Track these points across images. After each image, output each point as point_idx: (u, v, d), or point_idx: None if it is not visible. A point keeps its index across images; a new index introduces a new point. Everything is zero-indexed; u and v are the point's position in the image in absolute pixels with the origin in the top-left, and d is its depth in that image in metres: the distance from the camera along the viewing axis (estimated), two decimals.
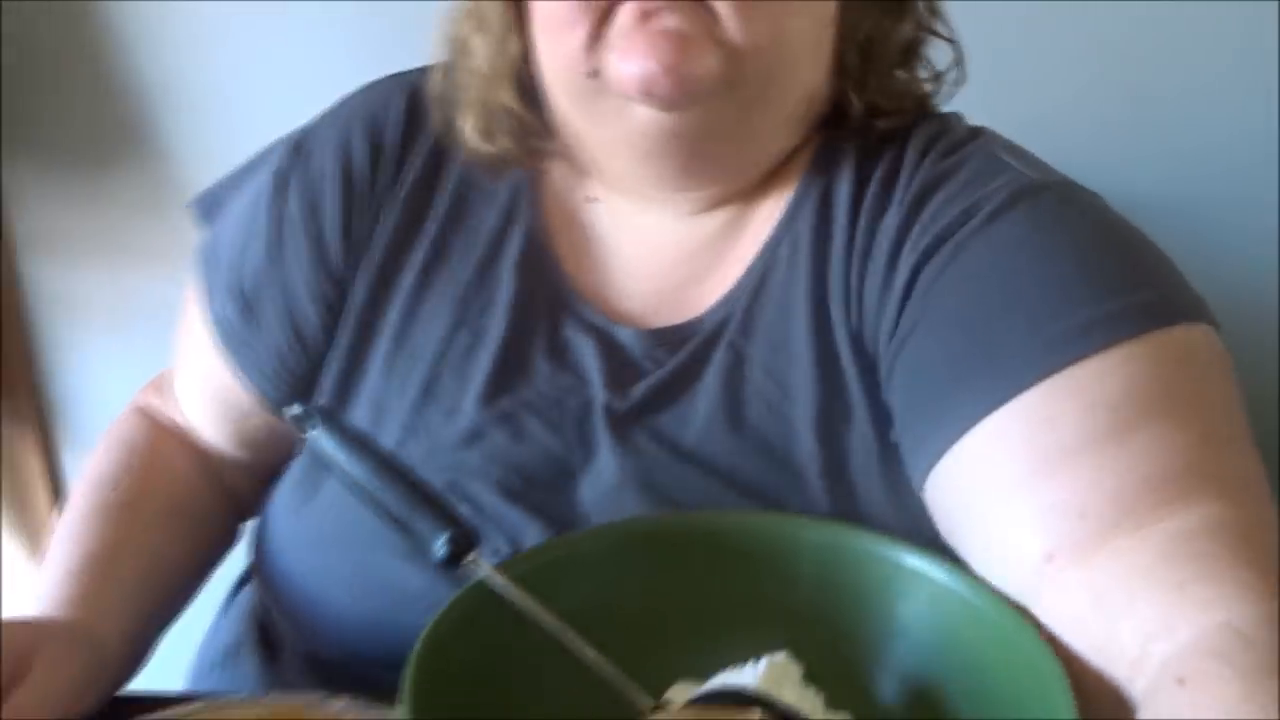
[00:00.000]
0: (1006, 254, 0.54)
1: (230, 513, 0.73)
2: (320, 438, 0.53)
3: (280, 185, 0.67)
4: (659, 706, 0.49)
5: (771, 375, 0.58)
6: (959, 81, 0.64)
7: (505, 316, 0.62)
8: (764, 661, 0.49)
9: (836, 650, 0.52)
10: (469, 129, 0.63)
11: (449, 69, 0.65)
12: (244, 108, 1.07)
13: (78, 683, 0.54)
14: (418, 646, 0.47)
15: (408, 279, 0.64)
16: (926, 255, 0.55)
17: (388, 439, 0.61)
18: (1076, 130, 0.99)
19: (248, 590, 0.74)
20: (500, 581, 0.50)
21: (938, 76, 0.64)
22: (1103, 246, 0.54)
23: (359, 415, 0.63)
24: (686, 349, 0.60)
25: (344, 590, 0.61)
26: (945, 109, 0.66)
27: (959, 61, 0.64)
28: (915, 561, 0.52)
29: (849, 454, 0.57)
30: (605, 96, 0.57)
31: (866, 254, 0.58)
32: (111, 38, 1.06)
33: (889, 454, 0.56)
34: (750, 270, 0.61)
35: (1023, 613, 0.49)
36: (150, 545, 0.66)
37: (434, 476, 0.57)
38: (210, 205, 0.72)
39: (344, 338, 0.64)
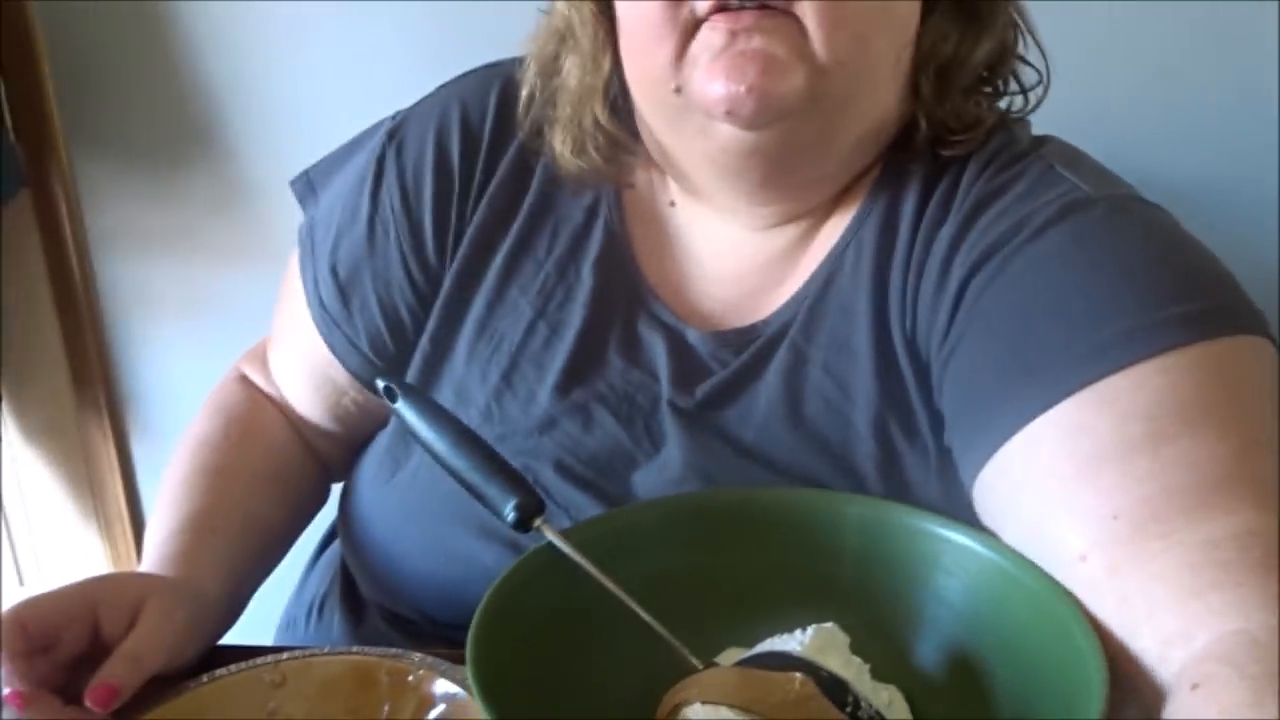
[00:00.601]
0: (1051, 266, 0.56)
1: (320, 478, 0.77)
2: (405, 409, 0.56)
3: (378, 173, 0.70)
4: (709, 667, 0.52)
5: (831, 375, 0.61)
6: (1039, 103, 0.64)
7: (583, 311, 0.65)
8: (811, 629, 0.52)
9: (880, 622, 0.55)
10: (560, 145, 0.65)
11: (537, 84, 0.67)
12: (311, 108, 1.11)
13: (182, 632, 0.58)
14: (482, 603, 0.50)
15: (493, 270, 0.67)
16: (976, 267, 0.57)
17: (467, 422, 0.62)
18: (1075, 128, 1.02)
19: (332, 549, 0.79)
20: (564, 544, 0.53)
21: (1021, 92, 0.64)
22: (1149, 258, 0.56)
23: (443, 399, 0.66)
24: (751, 350, 0.63)
25: (422, 559, 0.65)
26: None
27: (1042, 83, 0.64)
28: (956, 535, 0.54)
29: (904, 454, 0.59)
30: (689, 112, 0.59)
31: (922, 264, 0.60)
32: (182, 39, 1.10)
33: (943, 456, 0.58)
34: (815, 276, 0.63)
35: (1060, 586, 0.51)
36: (246, 507, 0.70)
37: (509, 459, 0.59)
38: (309, 186, 0.76)
39: (432, 324, 0.68)
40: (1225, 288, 0.56)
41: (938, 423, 0.59)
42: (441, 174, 0.68)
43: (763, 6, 0.54)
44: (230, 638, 0.65)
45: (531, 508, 0.54)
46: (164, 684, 0.56)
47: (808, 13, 0.55)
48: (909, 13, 0.60)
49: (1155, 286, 0.54)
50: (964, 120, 0.62)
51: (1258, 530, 0.48)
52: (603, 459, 0.62)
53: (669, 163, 0.66)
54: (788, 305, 0.64)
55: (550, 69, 0.66)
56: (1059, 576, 0.51)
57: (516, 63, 0.70)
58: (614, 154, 0.66)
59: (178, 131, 1.14)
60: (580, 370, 0.64)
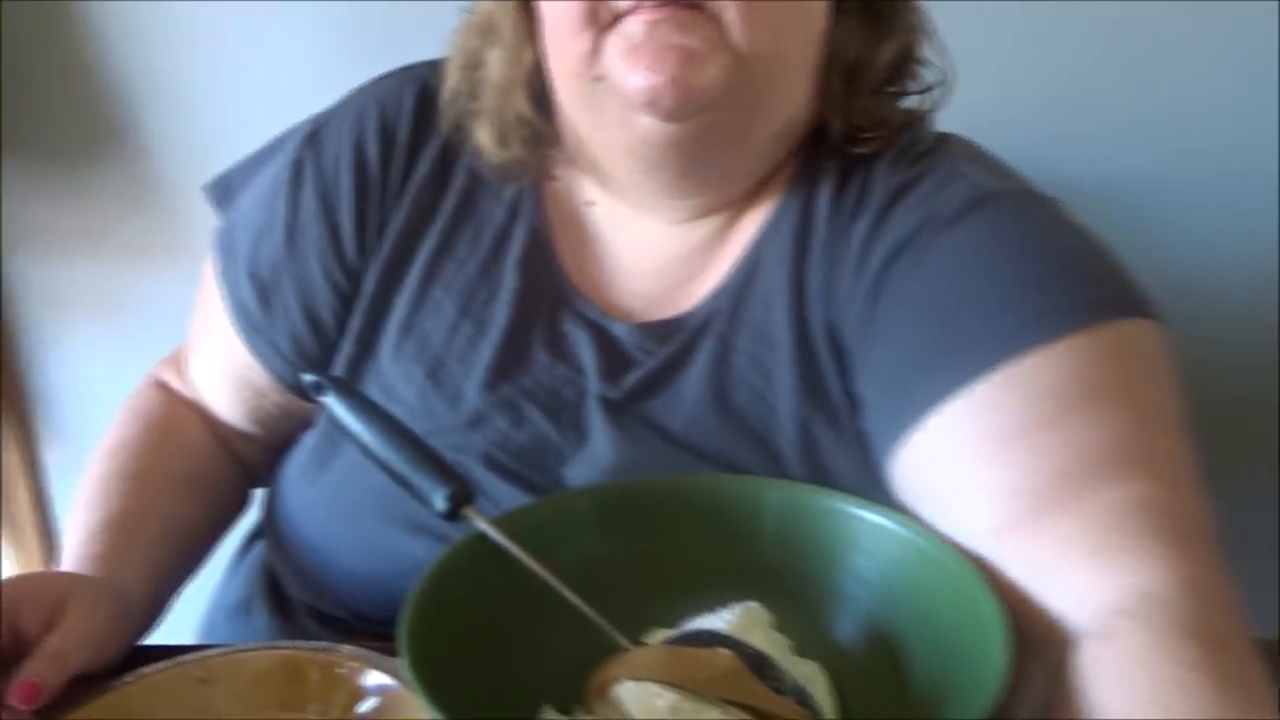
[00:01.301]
0: (962, 257, 0.58)
1: (242, 481, 0.77)
2: (333, 403, 0.57)
3: (296, 176, 0.70)
4: (638, 647, 0.53)
5: (755, 365, 0.63)
6: (942, 102, 0.67)
7: (507, 309, 0.66)
8: (736, 608, 0.54)
9: (801, 602, 0.57)
10: (484, 137, 0.67)
11: (461, 78, 0.68)
12: (226, 105, 1.10)
13: (104, 630, 0.58)
14: (414, 591, 0.51)
15: (416, 270, 0.68)
16: (892, 258, 0.60)
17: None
18: (1075, 129, 1.05)
19: (256, 548, 0.78)
20: (494, 532, 0.54)
21: (924, 91, 0.67)
22: (1050, 248, 0.59)
23: (373, 395, 0.66)
24: (675, 341, 0.65)
25: (351, 556, 0.65)
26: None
27: (944, 83, 0.67)
28: (870, 515, 0.57)
29: (824, 439, 0.62)
30: (609, 103, 0.60)
31: (839, 256, 0.62)
32: (94, 36, 1.08)
33: (860, 441, 0.61)
34: (737, 269, 0.65)
35: (967, 558, 0.53)
36: (165, 509, 0.69)
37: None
38: (224, 190, 0.76)
39: (355, 325, 0.68)
40: (1117, 274, 0.59)
41: (855, 408, 0.61)
42: (360, 175, 0.69)
43: (679, 2, 0.56)
44: (151, 639, 0.64)
45: (461, 497, 0.55)
46: (86, 684, 0.55)
47: (726, 8, 0.56)
48: (819, 13, 0.62)
49: (1057, 274, 0.58)
50: (873, 119, 0.64)
51: (1152, 498, 0.51)
52: (532, 453, 0.64)
53: (588, 157, 0.67)
54: (711, 298, 0.66)
55: (473, 63, 0.67)
56: (973, 547, 0.53)
57: (431, 65, 0.71)
58: (537, 146, 0.67)
59: (91, 129, 1.11)
60: (506, 367, 0.65)
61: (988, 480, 0.54)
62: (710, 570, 0.58)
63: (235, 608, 0.75)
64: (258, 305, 0.70)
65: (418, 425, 0.63)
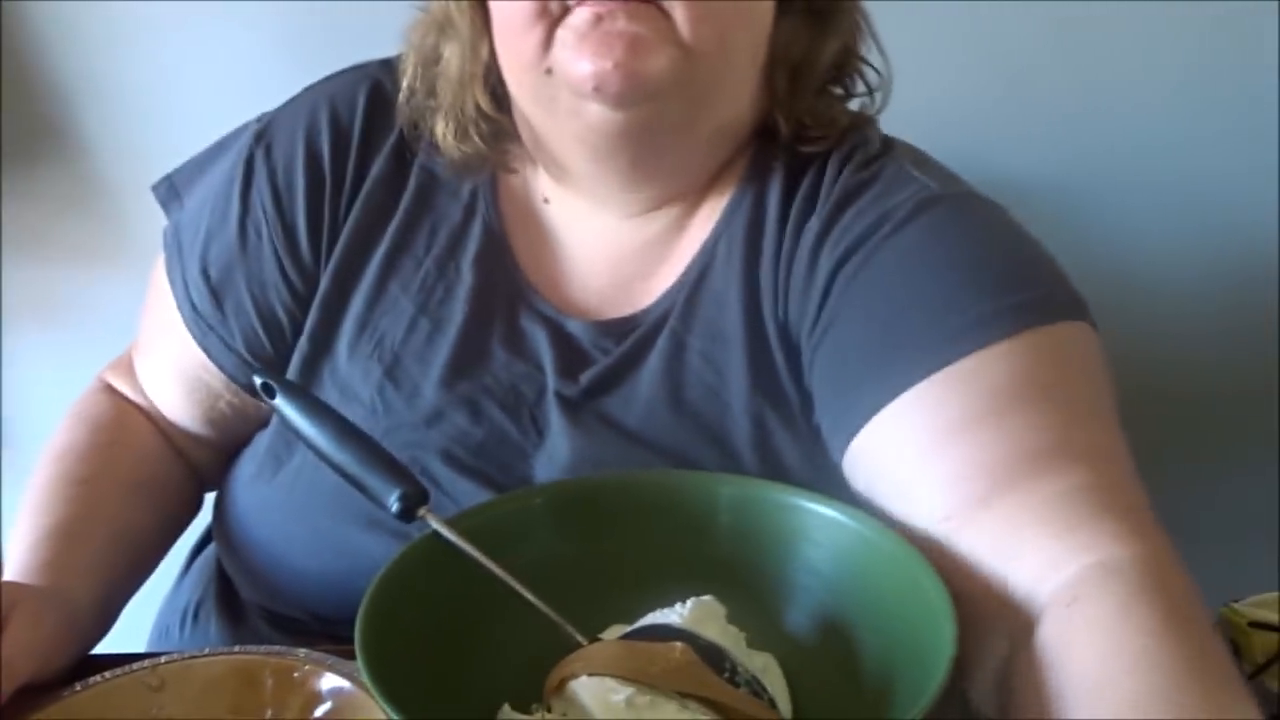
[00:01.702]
0: (909, 259, 0.60)
1: (193, 485, 0.76)
2: (284, 405, 0.57)
3: (247, 174, 0.70)
4: (594, 643, 0.54)
5: (709, 361, 0.64)
6: (883, 103, 0.69)
7: (464, 307, 0.67)
8: (690, 602, 0.54)
9: (754, 593, 0.58)
10: (443, 133, 0.67)
11: (417, 75, 0.68)
12: (167, 105, 1.09)
13: (51, 639, 0.57)
14: (369, 593, 0.51)
15: (371, 268, 0.68)
16: (843, 259, 0.62)
17: (352, 418, 0.63)
18: (1021, 128, 1.08)
19: (206, 553, 0.77)
20: (449, 532, 0.54)
21: (869, 93, 0.69)
22: (993, 251, 0.62)
23: (326, 396, 0.67)
24: (631, 338, 0.66)
25: (307, 556, 0.65)
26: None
27: (884, 85, 0.69)
28: (821, 508, 0.58)
29: (777, 433, 0.63)
30: (560, 94, 0.61)
31: (791, 255, 0.64)
32: (31, 35, 1.07)
33: (813, 435, 0.62)
34: (689, 268, 0.66)
35: (915, 548, 0.54)
36: (115, 514, 0.68)
37: (396, 452, 0.61)
38: (172, 189, 0.75)
39: (310, 322, 0.68)
40: (1056, 278, 0.62)
41: (807, 404, 0.63)
42: (313, 173, 0.69)
43: None
44: (102, 648, 0.63)
45: (415, 497, 0.55)
46: (35, 694, 0.54)
47: (675, 5, 0.58)
48: (765, 12, 0.64)
49: (1000, 278, 0.60)
50: (818, 118, 0.66)
51: (1097, 484, 0.53)
52: (491, 449, 0.64)
53: (542, 150, 0.68)
54: (665, 295, 0.67)
55: (430, 59, 0.67)
56: (926, 533, 0.55)
57: (383, 64, 0.71)
58: (496, 140, 0.67)
59: (29, 129, 1.09)
60: (464, 364, 0.66)
61: (937, 471, 0.56)
62: (665, 565, 0.58)
63: (185, 613, 0.74)
64: (210, 303, 0.70)
65: (374, 422, 0.64)
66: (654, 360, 0.65)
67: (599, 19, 0.57)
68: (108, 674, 0.55)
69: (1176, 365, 1.17)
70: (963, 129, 1.05)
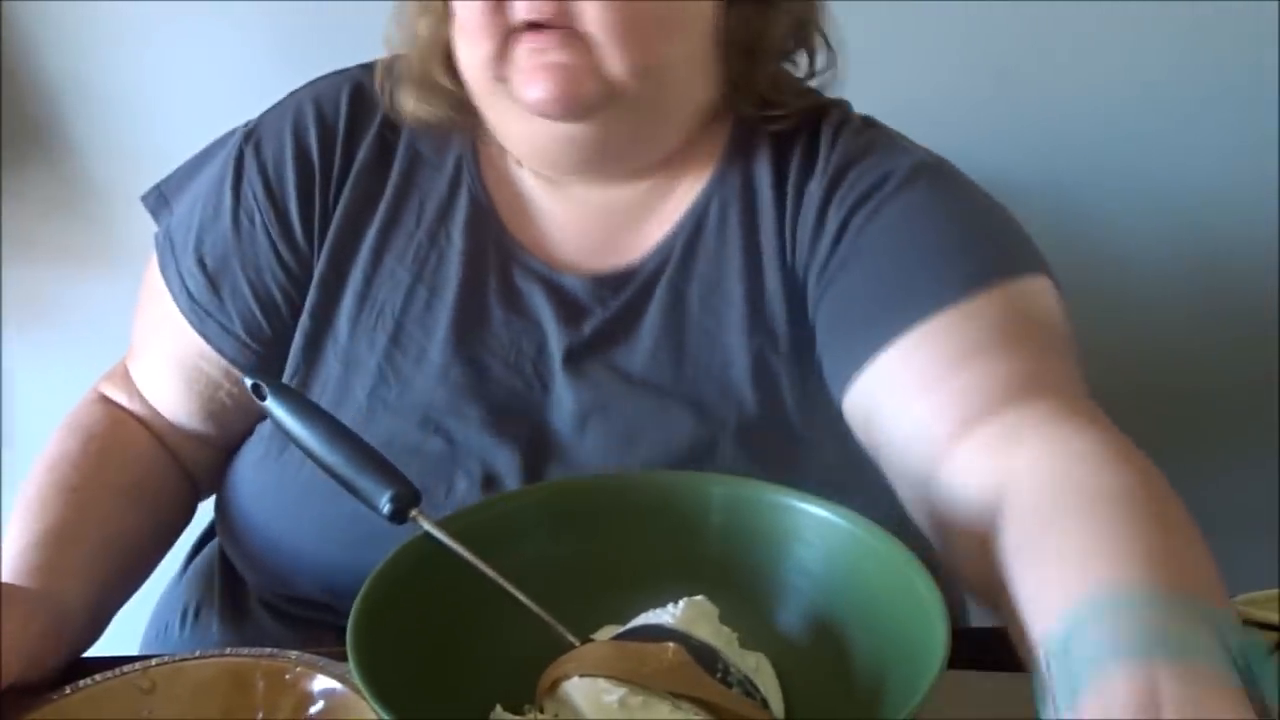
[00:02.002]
0: (912, 216, 0.67)
1: (188, 490, 0.76)
2: (275, 405, 0.56)
3: (238, 169, 0.72)
4: (586, 644, 0.54)
5: (708, 309, 0.68)
6: (834, 73, 0.73)
7: (459, 271, 0.70)
8: (682, 603, 0.54)
9: (746, 593, 0.58)
10: (408, 99, 0.70)
11: (395, 55, 0.71)
12: (154, 106, 1.09)
13: (39, 640, 0.57)
14: (361, 595, 0.51)
15: (365, 246, 0.71)
16: (852, 210, 0.67)
17: (360, 388, 0.68)
18: (1079, 130, 1.09)
19: (206, 553, 0.78)
20: (441, 534, 0.54)
21: (825, 67, 0.73)
22: (979, 212, 0.69)
23: (330, 371, 0.69)
24: (629, 289, 0.69)
25: (317, 533, 0.66)
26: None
27: (832, 59, 0.73)
28: (813, 507, 0.58)
29: (776, 373, 0.67)
30: (511, 103, 0.65)
31: (796, 213, 0.69)
32: (19, 35, 1.06)
33: (809, 372, 0.67)
34: (681, 225, 0.70)
35: (906, 548, 0.54)
36: (107, 518, 0.68)
37: (409, 414, 0.66)
38: (161, 198, 0.77)
39: (310, 301, 0.71)
40: (1025, 235, 0.69)
41: (806, 343, 0.68)
42: (302, 164, 0.71)
43: (553, 29, 0.61)
44: (95, 649, 0.63)
45: (407, 498, 0.55)
46: (25, 696, 0.54)
47: (596, 36, 0.62)
48: (700, 11, 0.67)
49: (986, 234, 0.68)
50: (778, 95, 0.70)
51: (1064, 408, 0.59)
52: (500, 402, 0.67)
53: (500, 140, 0.71)
54: (658, 250, 0.70)
55: (409, 36, 0.71)
56: (929, 454, 0.60)
57: (364, 67, 0.74)
58: (461, 110, 0.71)
59: (16, 131, 1.09)
60: (465, 325, 0.69)
61: (934, 401, 0.61)
62: (658, 565, 0.58)
63: (185, 611, 0.75)
64: (207, 290, 0.72)
65: (385, 388, 0.68)
66: (654, 309, 0.68)
67: (535, 52, 0.62)
68: (98, 676, 0.55)
69: (1172, 363, 1.18)
70: (953, 126, 1.06)
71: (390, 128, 0.72)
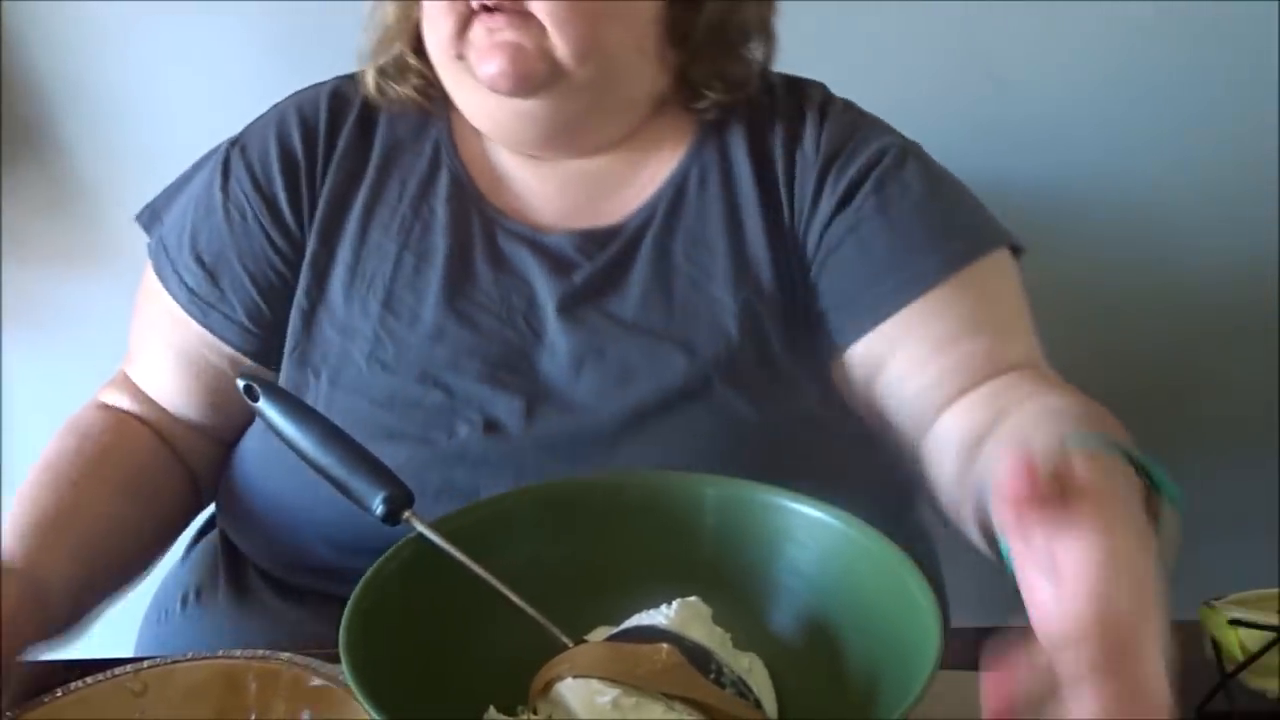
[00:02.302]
0: (912, 193, 0.72)
1: (189, 485, 0.77)
2: (266, 407, 0.56)
3: (225, 171, 0.76)
4: (580, 645, 0.54)
5: (695, 262, 0.72)
6: (771, 55, 0.79)
7: (444, 238, 0.73)
8: (675, 603, 0.54)
9: (740, 594, 0.58)
10: (372, 78, 0.75)
11: (375, 41, 0.76)
12: (144, 106, 1.08)
13: (15, 609, 0.57)
14: (354, 596, 0.51)
15: (352, 222, 0.74)
16: (857, 182, 0.72)
17: (359, 353, 0.71)
18: (1073, 132, 1.09)
19: (209, 539, 0.79)
20: (433, 535, 0.54)
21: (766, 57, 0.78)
22: (958, 190, 0.76)
23: (329, 340, 0.71)
24: (615, 245, 0.73)
25: (326, 499, 0.65)
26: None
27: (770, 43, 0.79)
28: (806, 508, 0.58)
29: (763, 320, 0.71)
30: (469, 79, 0.70)
31: (791, 176, 0.73)
32: (10, 35, 1.06)
33: (791, 317, 0.72)
34: (662, 192, 0.74)
35: (899, 549, 0.55)
36: (102, 510, 0.69)
37: (407, 371, 0.69)
38: (153, 214, 0.79)
39: (303, 280, 0.74)
40: (988, 209, 0.76)
41: (787, 293, 0.72)
42: (287, 159, 0.75)
43: (504, 10, 0.67)
44: (88, 649, 0.63)
45: (400, 500, 0.55)
46: (13, 699, 0.54)
47: (543, 17, 0.67)
48: (641, 3, 0.71)
49: (970, 211, 0.75)
50: (726, 78, 0.75)
51: (1046, 377, 0.69)
52: (495, 354, 0.70)
53: (463, 115, 0.75)
54: (640, 211, 0.74)
55: (382, 19, 0.75)
56: (929, 408, 0.68)
57: (341, 77, 0.79)
58: (424, 89, 0.75)
59: (7, 131, 1.08)
60: (455, 286, 0.72)
61: (941, 365, 0.68)
62: (651, 566, 0.58)
63: (183, 597, 0.75)
64: (206, 283, 0.74)
65: (381, 351, 0.70)
66: (641, 262, 0.72)
67: (489, 32, 0.67)
68: (89, 679, 0.55)
69: (1172, 363, 1.19)
70: (946, 128, 1.06)
71: (368, 118, 0.76)
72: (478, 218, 0.74)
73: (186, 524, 0.79)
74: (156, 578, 0.78)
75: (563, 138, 0.74)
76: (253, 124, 0.78)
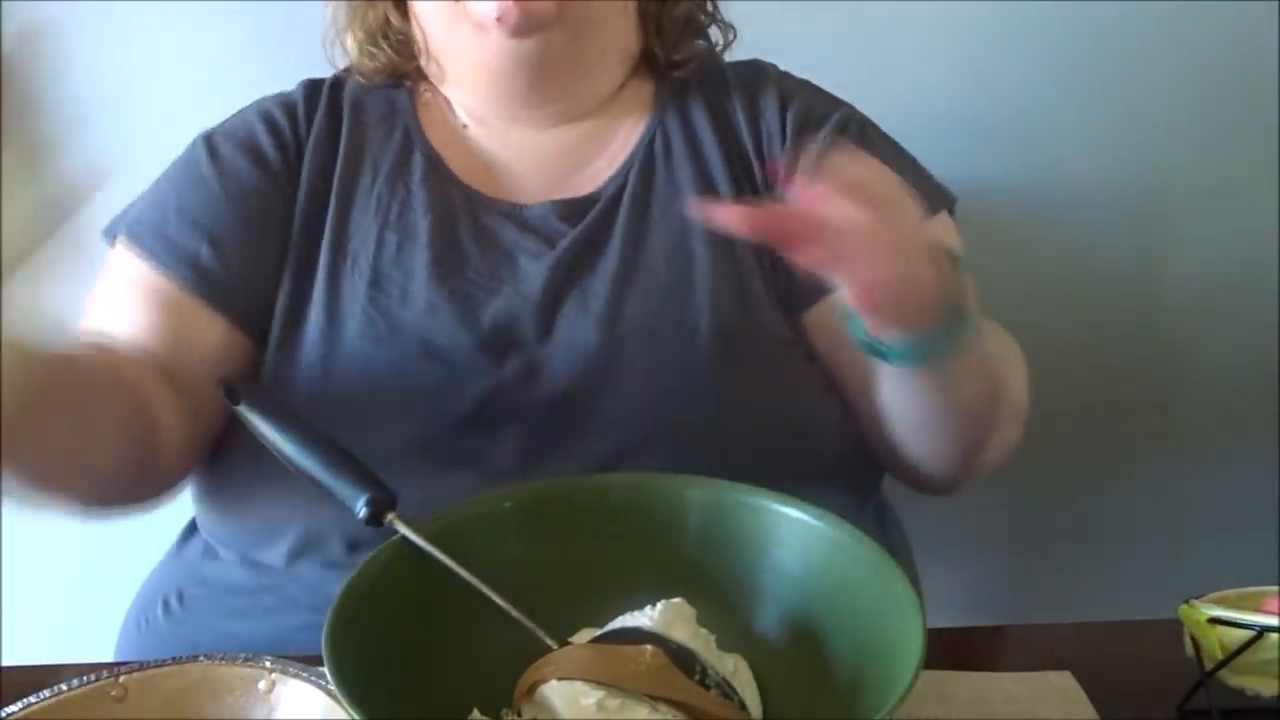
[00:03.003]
0: (877, 154, 0.71)
1: (151, 423, 0.69)
2: (248, 411, 0.56)
3: (212, 150, 0.76)
4: (564, 647, 0.54)
5: (669, 221, 0.76)
6: (732, 38, 0.84)
7: (425, 218, 0.75)
8: (660, 605, 0.54)
9: (724, 595, 0.58)
10: (354, 46, 0.78)
11: (343, 7, 0.79)
12: (132, 108, 1.07)
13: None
14: (336, 599, 0.51)
15: (331, 201, 0.76)
16: (837, 132, 0.77)
17: (350, 330, 0.71)
18: (1062, 135, 1.09)
19: (191, 543, 0.77)
20: (417, 537, 0.54)
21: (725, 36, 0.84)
22: (908, 154, 0.80)
23: (315, 319, 0.72)
24: (594, 211, 0.76)
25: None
26: None
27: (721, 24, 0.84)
28: (790, 509, 0.58)
29: (741, 265, 0.74)
30: (463, 24, 0.72)
31: (759, 142, 0.77)
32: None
33: (767, 265, 0.74)
34: (631, 158, 0.78)
35: (883, 550, 0.55)
36: (84, 392, 0.62)
37: (406, 345, 0.70)
38: (117, 221, 0.77)
39: (291, 261, 0.74)
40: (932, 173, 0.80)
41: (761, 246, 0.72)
42: (275, 134, 0.77)
43: None
44: (67, 657, 0.62)
45: (383, 502, 0.55)
46: None
47: None
48: None
49: (922, 172, 0.79)
50: (684, 51, 0.81)
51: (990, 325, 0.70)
52: (488, 327, 0.71)
53: (446, 75, 0.78)
54: (613, 179, 0.77)
55: None
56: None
57: (314, 80, 0.81)
58: (403, 50, 0.78)
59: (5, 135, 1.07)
60: (444, 264, 0.73)
61: None
62: (635, 568, 0.58)
63: (165, 603, 0.74)
64: (211, 256, 0.73)
65: (371, 328, 0.71)
66: (620, 224, 0.75)
67: None
68: (68, 684, 0.55)
69: (1172, 363, 1.19)
70: (934, 130, 1.06)
71: (335, 104, 0.78)
72: (457, 197, 0.76)
73: (147, 463, 0.70)
74: (125, 598, 0.77)
75: (548, 85, 0.76)
76: (229, 118, 0.79)
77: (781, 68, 0.83)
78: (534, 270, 0.73)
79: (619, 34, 0.78)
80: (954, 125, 1.08)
